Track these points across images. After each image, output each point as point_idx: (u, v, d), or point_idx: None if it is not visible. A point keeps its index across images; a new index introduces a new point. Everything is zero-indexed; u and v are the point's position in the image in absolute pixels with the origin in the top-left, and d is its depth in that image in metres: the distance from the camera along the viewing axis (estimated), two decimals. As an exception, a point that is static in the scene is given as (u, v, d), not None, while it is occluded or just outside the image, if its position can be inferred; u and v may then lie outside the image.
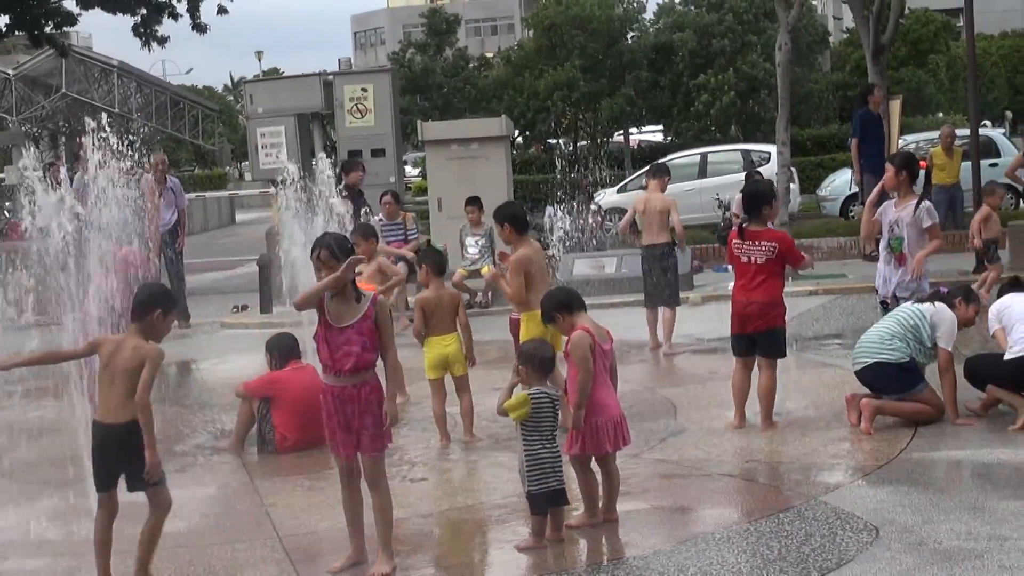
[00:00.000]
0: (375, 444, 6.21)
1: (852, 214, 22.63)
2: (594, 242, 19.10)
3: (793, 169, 21.69)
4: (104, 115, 10.02)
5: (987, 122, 40.02)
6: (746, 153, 27.18)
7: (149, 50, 26.43)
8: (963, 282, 12.69)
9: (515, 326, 8.91)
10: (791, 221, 19.12)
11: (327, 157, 15.07)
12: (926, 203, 9.30)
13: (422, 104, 43.62)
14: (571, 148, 41.20)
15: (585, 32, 42.02)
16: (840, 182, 25.29)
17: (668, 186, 12.73)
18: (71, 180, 12.46)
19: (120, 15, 25.71)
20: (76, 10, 25.62)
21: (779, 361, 8.84)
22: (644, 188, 13.50)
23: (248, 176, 49.72)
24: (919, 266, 9.13)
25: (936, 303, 8.64)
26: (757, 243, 8.74)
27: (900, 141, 19.31)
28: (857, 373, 8.77)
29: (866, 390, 8.68)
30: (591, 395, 6.61)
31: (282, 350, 9.40)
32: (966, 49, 17.09)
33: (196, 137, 47.31)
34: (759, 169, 22.28)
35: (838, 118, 42.36)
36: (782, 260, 8.80)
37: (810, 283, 15.22)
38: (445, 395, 9.07)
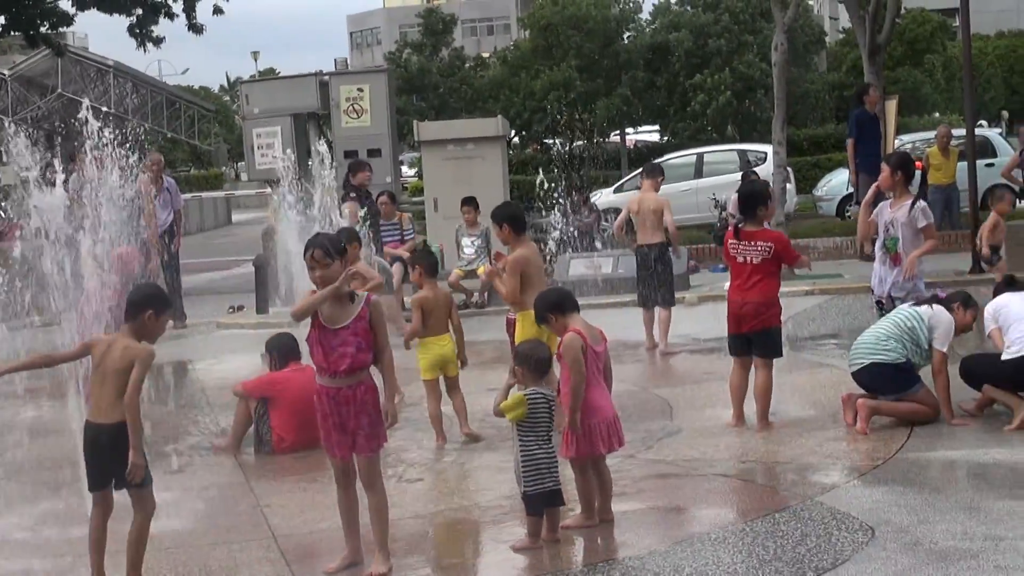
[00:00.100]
0: (371, 444, 6.21)
1: (848, 214, 22.62)
2: (589, 240, 19.06)
3: (789, 169, 21.67)
4: (89, 109, 10.00)
5: (983, 122, 40.03)
6: (742, 153, 27.21)
7: (145, 50, 26.44)
8: (958, 282, 12.72)
9: (511, 326, 8.91)
10: (787, 221, 19.09)
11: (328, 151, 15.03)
12: (921, 203, 9.29)
13: (418, 104, 43.62)
14: (567, 148, 41.16)
15: (581, 32, 42.03)
16: (836, 182, 25.29)
17: (664, 186, 12.74)
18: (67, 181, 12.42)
19: (116, 15, 25.68)
20: (72, 10, 25.60)
21: (775, 361, 8.85)
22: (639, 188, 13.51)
23: (244, 176, 49.70)
24: (912, 266, 9.13)
25: (934, 306, 8.65)
26: (753, 243, 8.74)
27: (896, 141, 19.27)
28: (853, 374, 8.76)
29: (862, 390, 8.69)
30: (584, 397, 6.60)
31: (282, 350, 9.39)
32: (962, 49, 17.06)
33: (192, 137, 47.33)
34: (755, 169, 22.31)
35: (834, 118, 42.32)
36: (778, 260, 8.81)
37: (806, 283, 15.22)
38: (440, 396, 9.08)
